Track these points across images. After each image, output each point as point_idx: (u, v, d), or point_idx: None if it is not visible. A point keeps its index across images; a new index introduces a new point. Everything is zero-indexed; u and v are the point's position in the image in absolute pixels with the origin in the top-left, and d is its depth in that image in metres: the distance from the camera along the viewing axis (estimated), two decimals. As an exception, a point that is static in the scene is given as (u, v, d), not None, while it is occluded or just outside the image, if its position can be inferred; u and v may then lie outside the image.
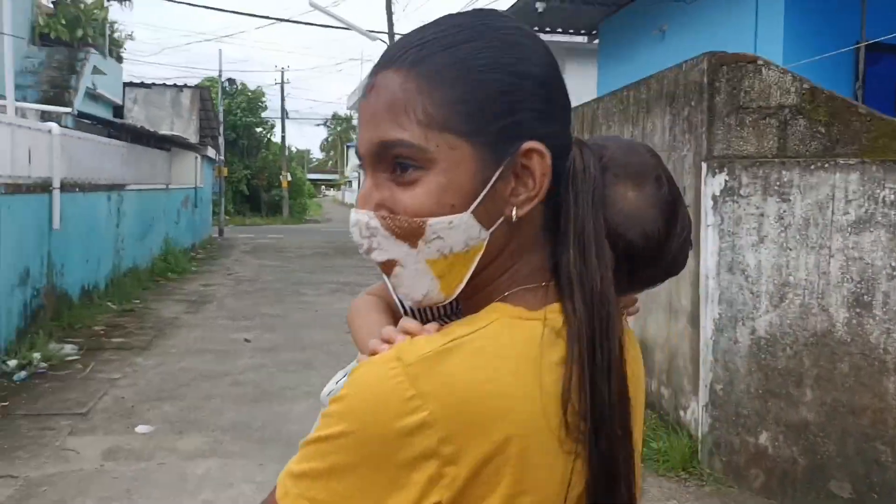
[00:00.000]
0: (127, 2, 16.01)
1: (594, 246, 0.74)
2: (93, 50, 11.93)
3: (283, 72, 39.50)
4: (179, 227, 15.83)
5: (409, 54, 0.74)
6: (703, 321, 4.57)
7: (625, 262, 0.80)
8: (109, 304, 10.00)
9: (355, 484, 0.66)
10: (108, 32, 13.78)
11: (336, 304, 10.94)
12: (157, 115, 18.03)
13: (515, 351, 0.70)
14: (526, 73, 0.75)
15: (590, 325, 0.71)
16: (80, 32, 11.72)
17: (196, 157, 17.95)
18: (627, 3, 9.43)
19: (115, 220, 10.69)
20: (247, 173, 37.71)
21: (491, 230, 0.74)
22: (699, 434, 4.59)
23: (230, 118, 35.94)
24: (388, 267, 0.78)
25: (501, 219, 0.75)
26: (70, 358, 7.26)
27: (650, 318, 5.39)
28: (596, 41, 11.22)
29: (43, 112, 9.27)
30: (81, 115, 11.04)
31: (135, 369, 6.98)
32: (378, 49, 22.32)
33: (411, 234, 0.74)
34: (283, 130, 39.19)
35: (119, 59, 17.48)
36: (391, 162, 0.74)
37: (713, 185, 4.51)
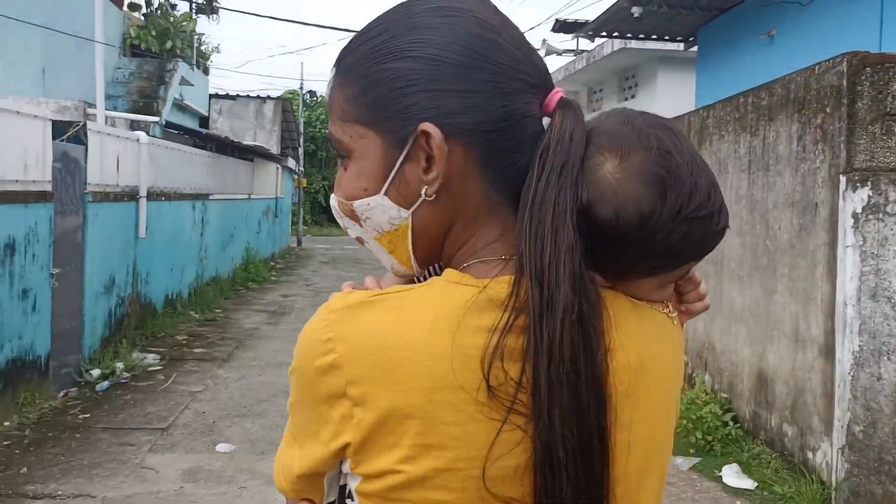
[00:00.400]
0: (214, 15, 16.27)
1: (551, 224, 0.71)
2: (181, 61, 12.08)
3: (361, 84, 39.80)
4: (260, 237, 15.92)
5: (340, 56, 0.81)
6: (840, 353, 4.05)
7: (607, 243, 0.74)
8: (192, 313, 10.00)
9: (302, 416, 0.76)
10: (195, 44, 13.97)
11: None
12: (241, 126, 18.26)
13: (437, 311, 0.71)
14: (421, 55, 0.75)
15: (535, 305, 0.70)
16: (169, 44, 11.87)
17: (277, 168, 18.09)
18: (730, 7, 8.88)
19: (199, 230, 10.72)
20: (325, 184, 38.18)
21: (412, 209, 0.78)
22: (833, 480, 4.06)
23: (310, 130, 36.49)
24: (360, 242, 0.87)
25: (421, 198, 0.77)
26: (152, 368, 7.19)
27: (770, 347, 4.87)
28: (693, 48, 10.66)
29: (132, 121, 9.35)
30: (169, 125, 11.14)
31: (216, 382, 6.84)
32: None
33: (351, 215, 0.82)
34: (361, 142, 39.50)
35: (206, 72, 17.79)
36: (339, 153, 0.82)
37: (854, 200, 3.99)
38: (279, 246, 19.74)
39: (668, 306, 0.83)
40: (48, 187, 5.85)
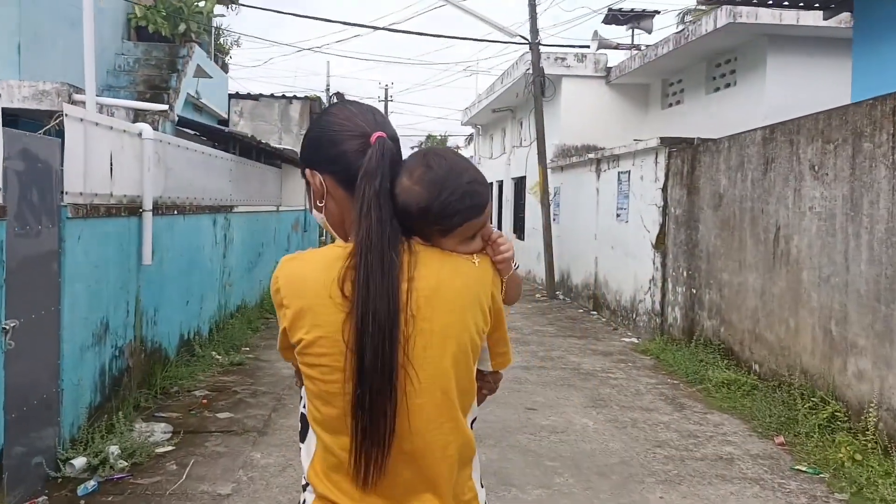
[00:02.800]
0: (233, 5, 14.30)
1: (368, 211, 1.39)
2: (197, 46, 10.09)
3: (386, 88, 37.96)
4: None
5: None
6: None
7: (410, 221, 1.44)
8: (214, 354, 7.96)
9: (276, 317, 1.52)
10: (212, 27, 12.00)
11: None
12: (264, 129, 16.29)
13: (323, 258, 1.45)
14: (309, 136, 1.55)
15: (358, 249, 1.38)
16: (181, 27, 9.90)
17: (305, 176, 16.08)
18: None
19: (221, 250, 8.70)
20: (348, 194, 36.28)
21: (319, 213, 1.55)
22: None
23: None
24: None
25: (320, 205, 1.54)
26: (161, 449, 5.13)
27: None
28: (841, 22, 8.53)
29: (136, 113, 7.35)
30: (182, 122, 9.15)
31: (249, 474, 4.77)
32: (514, 49, 19.96)
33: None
34: (386, 150, 37.61)
35: (225, 68, 15.84)
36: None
37: None
38: (307, 263, 17.71)
39: (474, 256, 1.49)
40: (-3, 197, 3.82)
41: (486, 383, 1.66)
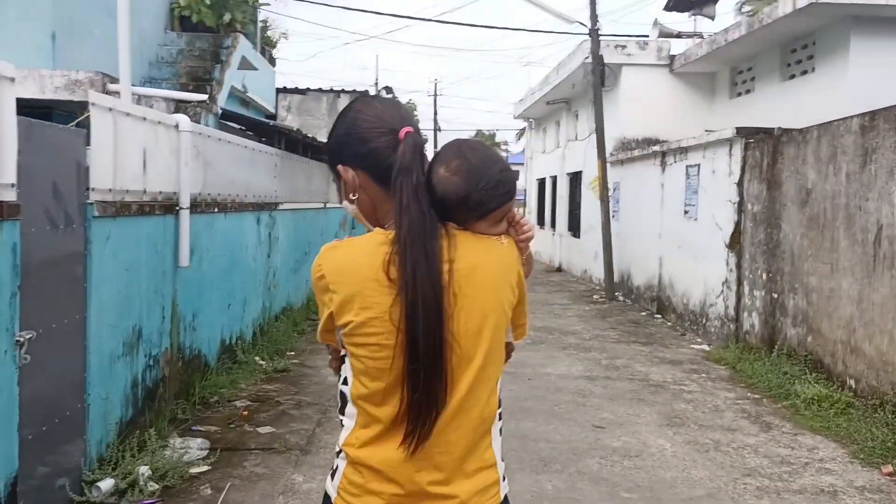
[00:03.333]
0: (281, -3, 13.93)
1: (408, 205, 1.48)
2: (242, 37, 9.70)
3: (435, 83, 37.51)
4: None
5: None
6: None
7: (447, 208, 1.56)
8: (258, 360, 7.55)
9: (318, 301, 1.59)
10: (259, 24, 11.63)
11: (552, 366, 7.96)
12: (312, 124, 15.94)
13: (367, 245, 1.52)
14: (338, 133, 1.64)
15: (401, 238, 1.46)
16: (227, 17, 9.52)
17: (354, 172, 15.67)
18: None
19: (265, 249, 8.28)
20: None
21: (351, 205, 1.62)
22: None
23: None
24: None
25: (353, 199, 1.61)
26: (196, 469, 4.70)
27: None
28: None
29: (178, 105, 6.95)
30: (226, 114, 8.76)
31: (290, 501, 4.29)
32: (569, 38, 19.24)
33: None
34: (436, 146, 37.11)
35: (272, 62, 15.52)
36: None
37: None
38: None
39: (501, 237, 1.62)
40: (9, 195, 3.40)
41: (507, 352, 1.74)
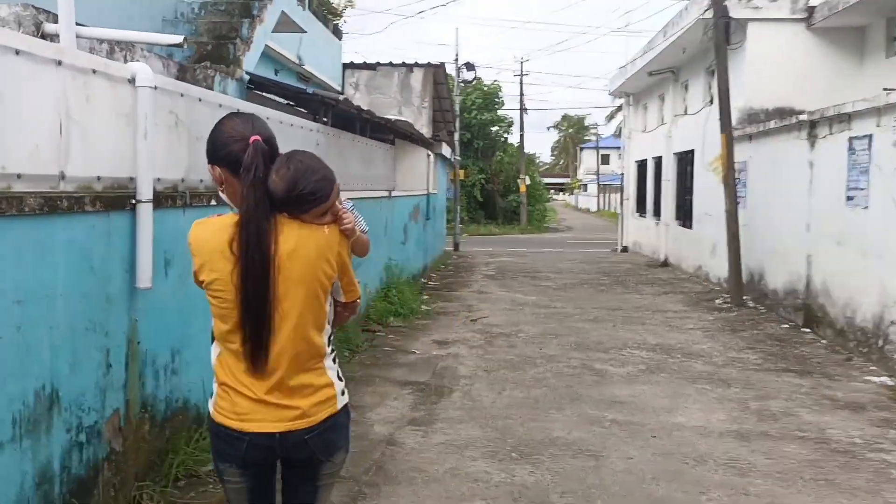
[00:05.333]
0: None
1: (247, 194, 2.05)
2: (281, -11, 7.90)
3: (522, 62, 35.25)
4: (407, 248, 11.64)
5: None
6: None
7: (276, 203, 2.09)
8: (285, 396, 5.74)
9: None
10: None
11: (682, 411, 5.81)
12: (382, 102, 14.15)
13: (220, 223, 2.13)
14: (209, 140, 2.22)
15: (241, 220, 2.05)
16: (264, -35, 7.72)
17: (428, 156, 13.79)
18: None
19: (301, 250, 6.47)
20: (481, 178, 33.89)
21: (223, 195, 2.24)
22: None
23: (464, 116, 32.29)
24: None
25: (222, 190, 2.23)
26: None
27: None
28: None
29: (182, 69, 5.16)
30: (259, 84, 6.98)
31: None
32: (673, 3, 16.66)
33: None
34: (522, 129, 34.93)
35: (337, 34, 13.79)
36: None
37: None
38: (432, 255, 15.46)
39: (325, 226, 2.17)
40: None
41: (347, 308, 2.38)
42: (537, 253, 20.38)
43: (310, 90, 6.67)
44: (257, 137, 2.11)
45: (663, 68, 16.37)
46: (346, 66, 14.23)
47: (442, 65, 14.47)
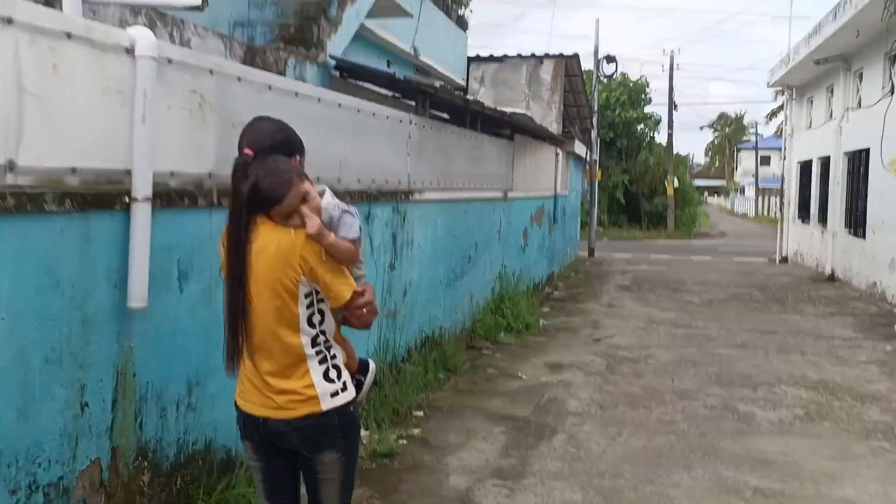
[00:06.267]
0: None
1: (231, 198, 2.31)
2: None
3: (672, 55, 33.03)
4: (527, 255, 10.60)
5: None
6: None
7: (248, 204, 2.24)
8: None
9: None
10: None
11: (849, 479, 4.43)
12: (509, 97, 13.18)
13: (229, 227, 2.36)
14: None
15: (232, 224, 2.30)
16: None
17: (557, 154, 12.67)
18: None
19: (385, 258, 5.63)
20: (624, 178, 32.06)
21: None
22: None
23: (606, 114, 30.65)
24: None
25: None
26: None
27: None
28: None
29: (255, 53, 4.46)
30: (350, 70, 6.23)
31: None
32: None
33: None
34: (671, 127, 32.69)
35: (462, 25, 12.98)
36: None
37: None
38: (560, 262, 14.29)
39: (291, 229, 2.25)
40: None
41: (350, 314, 2.38)
42: (682, 261, 18.64)
43: (400, 76, 5.82)
44: (248, 152, 2.28)
45: (832, 55, 14.30)
46: (470, 60, 13.39)
47: (575, 55, 13.29)
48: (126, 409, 3.11)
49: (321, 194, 2.38)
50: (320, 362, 2.33)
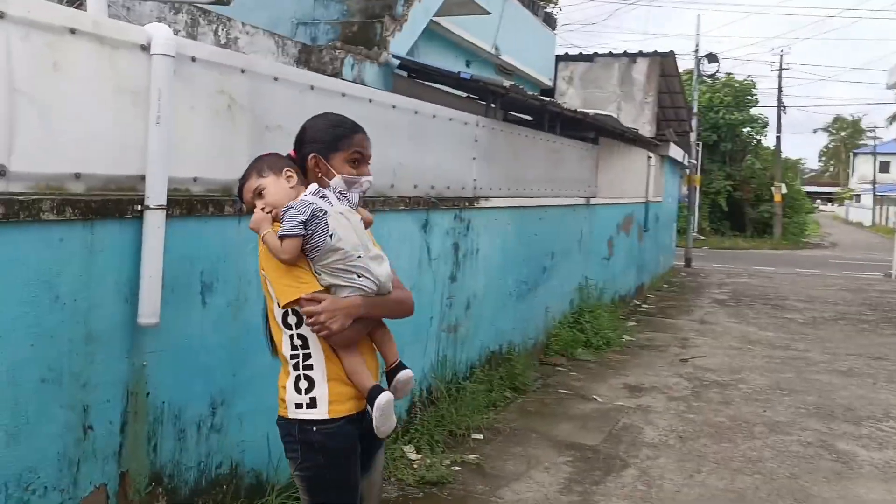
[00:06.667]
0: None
1: None
2: (455, -40, 6.81)
3: (781, 55, 31.31)
4: (611, 265, 10.04)
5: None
6: None
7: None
8: (410, 451, 4.64)
9: None
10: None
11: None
12: (599, 98, 12.62)
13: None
14: None
15: None
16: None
17: (649, 158, 12.02)
18: None
19: (445, 268, 5.32)
20: (728, 184, 30.58)
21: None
22: None
23: (709, 116, 29.35)
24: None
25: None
26: None
27: None
28: None
29: (306, 56, 4.24)
30: (407, 65, 5.95)
31: None
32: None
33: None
34: (779, 130, 30.96)
35: (550, 23, 12.52)
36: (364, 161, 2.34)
37: None
38: (651, 273, 13.58)
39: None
40: None
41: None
42: (787, 274, 17.47)
43: (466, 75, 5.48)
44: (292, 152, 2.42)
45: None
46: (558, 59, 12.91)
47: (671, 53, 12.58)
48: (137, 431, 2.90)
49: (315, 192, 2.24)
50: (293, 368, 2.23)
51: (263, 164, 2.32)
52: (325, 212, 2.21)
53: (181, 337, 3.06)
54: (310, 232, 2.16)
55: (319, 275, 2.19)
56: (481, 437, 5.15)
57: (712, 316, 10.86)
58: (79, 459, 2.66)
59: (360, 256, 2.23)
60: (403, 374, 2.38)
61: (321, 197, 2.24)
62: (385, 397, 2.23)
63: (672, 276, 15.87)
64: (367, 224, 2.37)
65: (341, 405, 2.21)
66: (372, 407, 2.23)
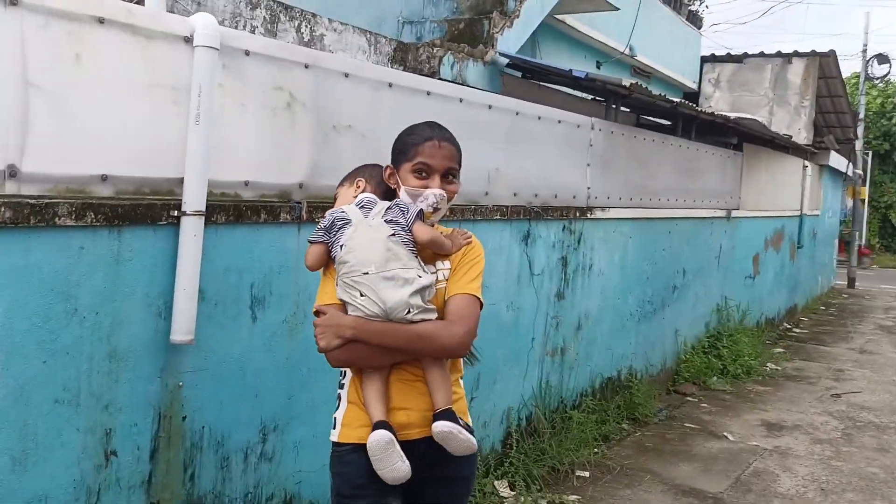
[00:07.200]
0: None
1: None
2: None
3: (970, 53, 27.89)
4: (757, 285, 9.07)
5: (453, 139, 2.15)
6: None
7: None
8: (502, 488, 4.20)
9: None
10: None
11: None
12: (748, 101, 11.58)
13: None
14: None
15: None
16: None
17: (805, 167, 10.86)
18: None
19: (551, 285, 4.81)
20: (903, 197, 27.61)
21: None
22: None
23: (881, 123, 26.69)
24: (438, 213, 2.13)
25: None
26: None
27: None
28: None
29: (408, 49, 3.95)
30: (516, 64, 5.50)
31: None
32: None
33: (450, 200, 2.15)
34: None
35: (695, 22, 11.64)
36: (447, 174, 2.10)
37: None
38: (805, 294, 12.29)
39: None
40: None
41: None
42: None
43: (581, 73, 4.96)
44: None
45: None
46: (704, 60, 11.95)
47: (831, 53, 11.29)
48: (171, 459, 2.65)
49: (359, 202, 2.19)
50: (338, 385, 2.20)
51: (354, 172, 2.31)
52: (348, 221, 2.09)
53: (226, 356, 2.79)
54: (332, 240, 2.10)
55: (337, 286, 2.06)
56: (587, 474, 4.61)
57: (874, 345, 9.57)
58: (99, 488, 2.43)
59: (366, 273, 1.98)
60: (436, 426, 1.99)
61: (361, 207, 2.14)
62: (376, 437, 1.97)
63: (831, 297, 14.33)
64: (430, 244, 2.08)
65: (352, 430, 2.08)
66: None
